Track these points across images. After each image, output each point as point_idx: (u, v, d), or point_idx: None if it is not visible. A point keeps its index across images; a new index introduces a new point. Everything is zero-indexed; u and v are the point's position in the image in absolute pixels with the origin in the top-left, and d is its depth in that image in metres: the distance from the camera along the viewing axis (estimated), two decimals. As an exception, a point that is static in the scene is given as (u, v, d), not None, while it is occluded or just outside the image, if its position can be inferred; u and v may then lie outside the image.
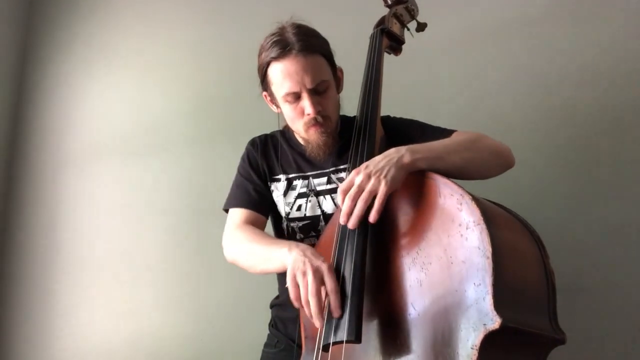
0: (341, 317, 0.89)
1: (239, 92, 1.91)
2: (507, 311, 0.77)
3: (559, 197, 1.64)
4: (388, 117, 1.33)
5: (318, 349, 0.92)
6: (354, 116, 1.29)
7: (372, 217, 0.95)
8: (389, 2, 1.47)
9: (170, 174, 2.06)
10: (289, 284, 0.97)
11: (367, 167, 0.98)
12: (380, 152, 1.03)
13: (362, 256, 0.94)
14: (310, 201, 1.26)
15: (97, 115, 2.19)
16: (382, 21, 1.43)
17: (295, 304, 0.96)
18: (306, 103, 1.17)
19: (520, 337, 0.81)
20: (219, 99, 2.07)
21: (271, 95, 1.25)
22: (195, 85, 2.11)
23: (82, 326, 2.01)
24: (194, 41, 2.15)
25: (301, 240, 1.24)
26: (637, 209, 1.56)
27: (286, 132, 1.36)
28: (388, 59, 1.43)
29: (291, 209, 1.28)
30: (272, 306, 1.38)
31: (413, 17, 1.51)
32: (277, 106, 1.26)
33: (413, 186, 0.97)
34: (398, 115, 1.34)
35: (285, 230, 1.29)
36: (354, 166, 1.03)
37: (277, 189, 1.30)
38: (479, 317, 0.78)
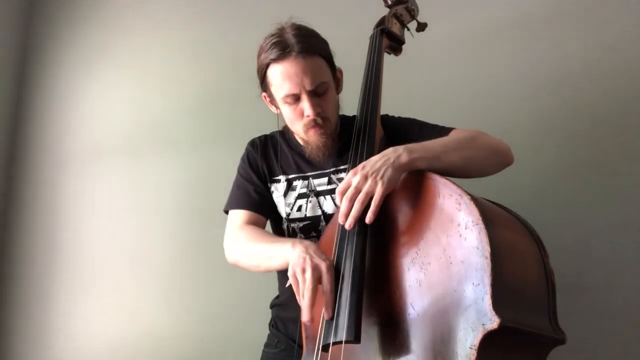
0: (332, 318, 0.90)
1: (239, 93, 1.90)
2: (506, 311, 0.77)
3: (559, 196, 1.64)
4: (387, 116, 1.33)
5: (317, 349, 0.92)
6: (353, 116, 1.30)
7: (368, 218, 0.95)
8: (389, 2, 1.47)
9: (170, 174, 2.06)
10: (291, 280, 0.98)
11: (363, 167, 0.99)
12: (379, 152, 1.03)
13: (362, 256, 0.94)
14: (310, 202, 1.26)
15: (98, 115, 2.19)
16: (382, 21, 1.43)
17: (298, 299, 0.96)
18: (305, 105, 1.17)
19: (519, 337, 0.81)
20: (218, 99, 2.07)
21: (270, 96, 1.24)
22: (195, 86, 2.11)
23: (82, 326, 2.01)
24: (194, 41, 2.15)
25: None
26: (637, 209, 1.56)
27: (286, 133, 1.36)
28: (388, 59, 1.43)
29: (291, 209, 1.28)
30: (272, 306, 1.39)
31: (413, 17, 1.51)
32: (277, 107, 1.26)
33: (412, 186, 0.98)
34: (398, 115, 1.34)
35: (286, 231, 1.29)
36: (354, 166, 1.03)
37: (277, 190, 1.30)
38: (477, 317, 0.78)
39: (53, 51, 2.29)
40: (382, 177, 0.96)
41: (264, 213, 1.29)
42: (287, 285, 1.25)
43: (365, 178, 0.97)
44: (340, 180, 1.25)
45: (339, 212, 1.00)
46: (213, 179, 1.95)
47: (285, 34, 1.18)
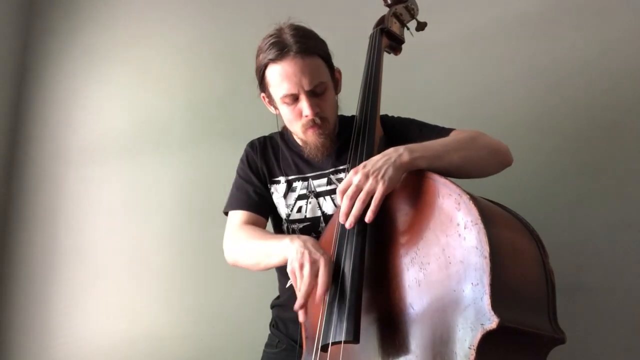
0: (337, 314, 0.90)
1: (238, 93, 1.91)
2: (505, 311, 0.77)
3: (559, 196, 1.63)
4: (386, 116, 1.33)
5: (317, 349, 0.92)
6: (352, 116, 1.30)
7: (368, 217, 0.95)
8: (389, 1, 1.47)
9: (170, 174, 2.07)
10: (290, 276, 0.98)
11: (364, 166, 0.99)
12: (379, 152, 1.03)
13: (361, 256, 0.94)
14: (310, 202, 1.27)
15: (97, 115, 2.19)
16: (381, 21, 1.43)
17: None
18: (304, 105, 1.17)
19: (519, 337, 0.81)
20: (218, 100, 2.07)
21: (269, 96, 1.24)
22: (194, 86, 2.11)
23: (82, 326, 2.01)
24: (193, 42, 2.15)
25: None
26: (637, 209, 1.56)
27: (285, 134, 1.36)
28: (388, 58, 1.43)
29: (291, 210, 1.28)
30: (272, 306, 1.39)
31: (413, 17, 1.51)
32: (276, 108, 1.26)
33: (412, 186, 0.97)
34: (397, 115, 1.34)
35: (286, 232, 1.29)
36: (354, 166, 1.03)
37: (277, 191, 1.30)
38: (476, 317, 0.78)
39: (53, 51, 2.30)
40: (383, 176, 0.96)
41: (264, 214, 1.29)
42: (288, 285, 1.25)
43: (366, 177, 0.97)
44: (339, 180, 1.25)
45: (338, 211, 1.00)
46: (213, 179, 1.96)
47: (283, 34, 1.18)
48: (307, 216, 1.26)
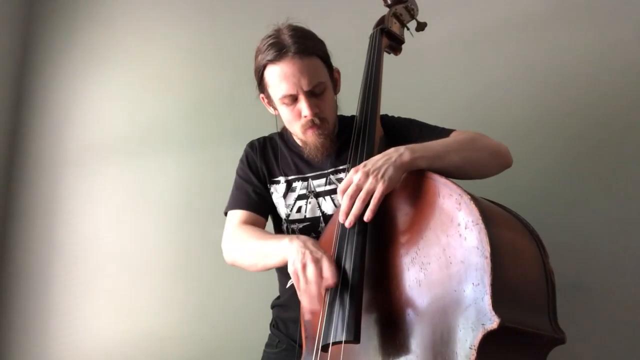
0: (338, 314, 0.89)
1: (238, 94, 1.90)
2: (506, 311, 0.77)
3: (559, 196, 1.63)
4: (386, 115, 1.33)
5: (317, 349, 0.92)
6: (352, 116, 1.30)
7: (367, 216, 0.95)
8: (389, 1, 1.47)
9: (170, 174, 2.06)
10: (292, 276, 0.97)
11: (365, 165, 0.99)
12: (379, 152, 1.04)
13: (361, 256, 0.94)
14: (310, 203, 1.27)
15: (97, 116, 2.19)
16: (381, 21, 1.43)
17: (299, 295, 0.97)
18: (303, 105, 1.17)
19: (519, 337, 0.81)
20: (217, 101, 2.07)
21: (268, 97, 1.24)
22: (194, 87, 2.11)
23: (82, 326, 2.01)
24: (192, 42, 2.15)
25: None
26: (638, 209, 1.56)
27: (284, 134, 1.36)
28: (388, 58, 1.43)
29: (291, 210, 1.28)
30: (273, 306, 1.39)
31: (413, 17, 1.51)
32: (275, 108, 1.26)
33: (412, 186, 0.98)
34: (397, 115, 1.34)
35: (286, 232, 1.29)
36: (354, 166, 1.03)
37: (277, 191, 1.30)
38: (477, 317, 0.78)
39: (52, 52, 2.29)
40: (383, 176, 0.96)
41: (263, 213, 1.29)
42: (288, 285, 1.25)
43: (366, 176, 0.97)
44: (339, 180, 1.25)
45: (338, 211, 1.01)
46: (214, 179, 1.96)
47: (281, 35, 1.18)
48: (307, 216, 1.26)
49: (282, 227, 1.31)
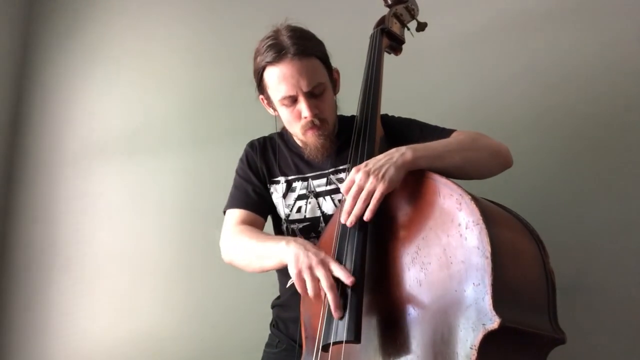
0: (343, 315, 0.89)
1: (237, 93, 1.89)
2: (507, 311, 0.77)
3: (559, 196, 1.63)
4: (387, 115, 1.33)
5: (317, 349, 0.92)
6: (352, 116, 1.30)
7: (366, 216, 0.96)
8: (389, 1, 1.47)
9: (170, 174, 2.06)
10: (295, 279, 0.97)
11: (366, 165, 0.99)
12: (379, 152, 1.04)
13: (362, 255, 0.95)
14: (310, 203, 1.26)
15: (97, 116, 2.19)
16: (382, 21, 1.43)
17: (304, 295, 0.96)
18: (303, 106, 1.17)
19: (519, 337, 0.81)
20: (217, 100, 2.07)
21: (268, 98, 1.24)
22: (194, 86, 2.11)
23: (82, 326, 2.01)
24: (192, 42, 2.15)
25: None
26: (637, 209, 1.56)
27: (284, 134, 1.36)
28: (388, 58, 1.43)
29: (291, 210, 1.28)
30: (273, 306, 1.39)
31: (413, 17, 1.51)
32: (274, 109, 1.26)
33: (413, 186, 0.98)
34: (397, 115, 1.34)
35: (286, 232, 1.29)
36: (354, 166, 1.03)
37: (277, 191, 1.30)
38: (478, 317, 0.78)
39: (52, 52, 2.29)
40: (383, 176, 0.96)
41: (262, 213, 1.29)
42: (288, 285, 1.25)
43: (367, 175, 0.97)
44: (339, 180, 1.25)
45: (338, 211, 1.01)
46: (213, 179, 1.95)
47: (280, 36, 1.18)
48: (307, 216, 1.26)
49: (281, 227, 1.30)
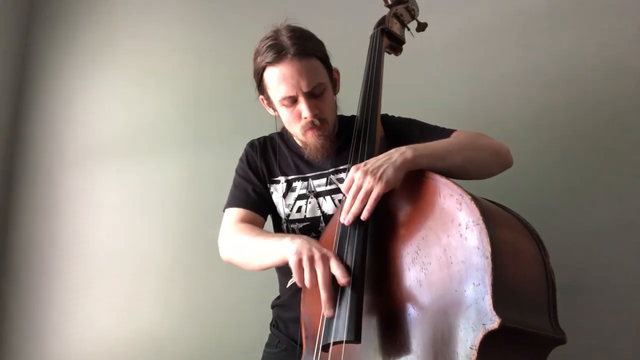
0: (334, 314, 0.89)
1: (237, 94, 1.90)
2: (507, 311, 0.77)
3: (559, 196, 1.63)
4: (387, 115, 1.33)
5: (318, 349, 0.92)
6: (352, 116, 1.30)
7: (363, 215, 0.96)
8: (389, 2, 1.47)
9: (169, 174, 2.07)
10: (294, 268, 0.96)
11: (365, 164, 0.99)
12: (380, 152, 1.04)
13: (362, 255, 0.95)
14: (310, 202, 1.26)
15: (97, 116, 2.20)
16: (382, 21, 1.43)
17: (300, 285, 0.96)
18: (303, 107, 1.17)
19: (520, 337, 0.81)
20: (217, 100, 2.07)
21: (268, 99, 1.24)
22: (193, 86, 2.11)
23: (82, 326, 2.01)
24: (192, 42, 2.15)
25: None
26: (637, 209, 1.56)
27: (284, 134, 1.36)
28: (388, 59, 1.43)
29: (291, 210, 1.28)
30: (273, 306, 1.39)
31: (413, 17, 1.51)
32: (274, 109, 1.26)
33: (413, 186, 0.98)
34: (398, 115, 1.34)
35: (286, 231, 1.29)
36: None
37: (277, 191, 1.30)
38: (478, 317, 0.78)
39: (52, 52, 2.30)
40: (381, 176, 0.96)
41: (262, 213, 1.29)
42: (288, 285, 1.25)
43: (365, 175, 0.97)
44: (339, 180, 1.25)
45: (339, 211, 1.01)
46: (213, 179, 1.96)
47: (280, 37, 1.17)
48: (307, 216, 1.26)
49: (281, 227, 1.30)
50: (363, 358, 0.91)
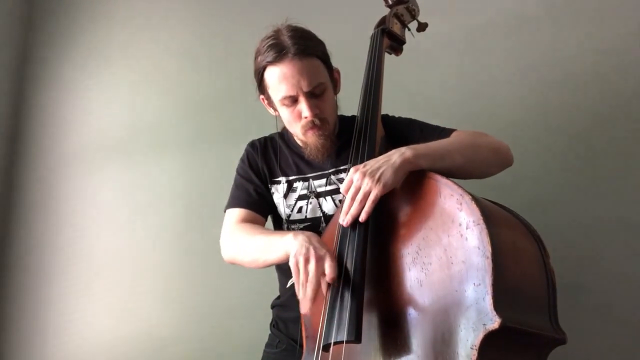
0: (339, 314, 0.89)
1: (238, 94, 1.90)
2: (507, 311, 0.77)
3: (559, 196, 1.64)
4: (387, 116, 1.33)
5: (318, 349, 0.92)
6: (352, 116, 1.30)
7: (361, 217, 0.96)
8: (390, 2, 1.47)
9: (170, 174, 2.07)
10: (292, 269, 0.96)
11: (365, 166, 0.99)
12: (380, 153, 1.04)
13: (363, 255, 0.95)
14: (310, 203, 1.27)
15: (96, 116, 2.19)
16: (382, 21, 1.43)
17: (297, 290, 0.96)
18: (303, 106, 1.17)
19: (520, 337, 0.81)
20: (217, 101, 2.07)
21: (268, 98, 1.24)
22: (193, 87, 2.11)
23: (82, 326, 2.01)
24: (192, 42, 2.15)
25: None
26: (637, 209, 1.56)
27: (285, 134, 1.35)
28: (389, 59, 1.43)
29: (292, 210, 1.28)
30: (273, 306, 1.39)
31: (414, 17, 1.51)
32: (275, 109, 1.25)
33: (414, 186, 0.98)
34: (398, 115, 1.34)
35: (287, 232, 1.30)
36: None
37: (278, 191, 1.30)
38: (478, 317, 0.78)
39: (52, 52, 2.30)
40: (379, 178, 0.96)
41: (263, 213, 1.29)
42: (288, 285, 1.25)
43: (363, 176, 0.97)
44: (340, 180, 1.25)
45: (339, 211, 1.01)
46: (213, 179, 1.96)
47: (281, 36, 1.17)
48: (308, 216, 1.26)
49: (282, 227, 1.30)
50: (364, 358, 0.91)
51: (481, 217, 0.83)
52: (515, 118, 1.72)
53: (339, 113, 1.31)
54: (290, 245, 1.00)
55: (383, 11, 1.47)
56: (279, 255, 1.05)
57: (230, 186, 1.34)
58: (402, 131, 1.25)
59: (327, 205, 1.25)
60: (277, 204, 1.30)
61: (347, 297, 0.90)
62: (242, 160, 1.36)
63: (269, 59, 1.17)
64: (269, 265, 1.16)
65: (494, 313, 0.76)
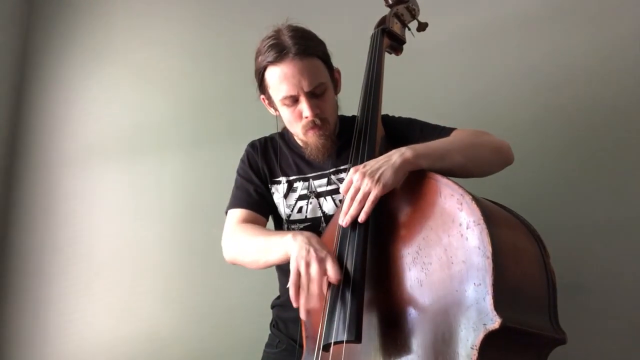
0: (339, 314, 0.89)
1: (238, 94, 1.90)
2: (507, 311, 0.77)
3: (559, 196, 1.64)
4: (387, 116, 1.33)
5: (318, 349, 0.92)
6: (353, 116, 1.30)
7: (360, 218, 0.96)
8: (390, 1, 1.47)
9: (170, 174, 2.07)
10: (292, 272, 0.96)
11: (364, 166, 0.99)
12: (380, 153, 1.04)
13: (363, 255, 0.95)
14: (311, 203, 1.27)
15: (96, 117, 2.19)
16: (383, 21, 1.43)
17: (291, 290, 0.95)
18: (304, 106, 1.17)
19: (520, 337, 0.81)
20: (217, 101, 2.07)
21: (269, 98, 1.24)
22: (193, 87, 2.11)
23: (82, 326, 2.01)
24: (192, 43, 2.15)
25: None
26: (637, 209, 1.56)
27: (285, 135, 1.36)
28: (389, 58, 1.43)
29: (292, 210, 1.28)
30: (273, 306, 1.39)
31: (414, 17, 1.51)
32: (275, 109, 1.26)
33: (414, 186, 0.98)
34: (398, 115, 1.34)
35: (287, 232, 1.30)
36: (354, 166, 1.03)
37: (278, 191, 1.30)
38: (479, 317, 0.78)
39: (52, 52, 2.29)
40: (379, 178, 0.96)
41: (264, 213, 1.29)
42: (288, 285, 1.25)
43: (363, 177, 0.97)
44: (340, 180, 1.25)
45: (339, 211, 1.01)
46: (213, 179, 1.96)
47: (281, 36, 1.18)
48: (308, 216, 1.27)
49: (283, 227, 1.31)
50: (364, 358, 0.91)
51: (481, 217, 0.83)
52: (516, 118, 1.72)
53: (339, 113, 1.31)
54: (290, 247, 1.00)
55: (383, 11, 1.47)
56: (279, 256, 1.05)
57: (231, 186, 1.35)
58: (402, 131, 1.25)
59: (328, 205, 1.25)
60: (277, 204, 1.30)
61: (348, 297, 0.90)
62: (242, 160, 1.36)
63: (269, 59, 1.17)
64: (270, 266, 1.16)
65: (494, 313, 0.76)
